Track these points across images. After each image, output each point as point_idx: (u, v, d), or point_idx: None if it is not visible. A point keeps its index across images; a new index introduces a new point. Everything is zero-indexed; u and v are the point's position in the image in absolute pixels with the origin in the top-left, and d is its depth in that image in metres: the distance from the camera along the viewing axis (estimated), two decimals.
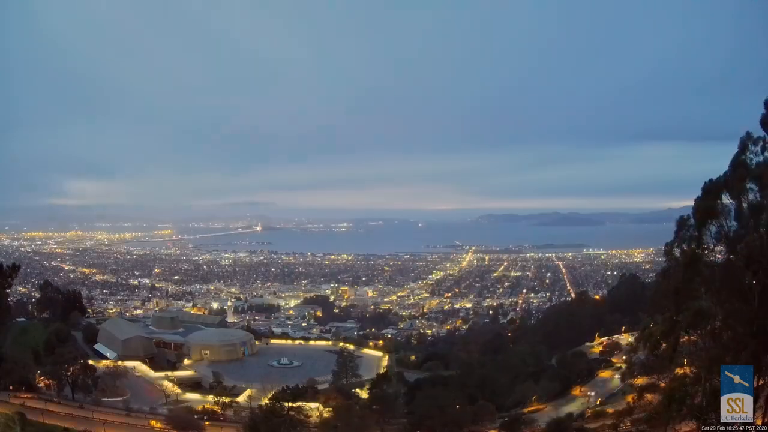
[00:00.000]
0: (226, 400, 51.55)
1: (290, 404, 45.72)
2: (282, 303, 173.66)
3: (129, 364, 61.89)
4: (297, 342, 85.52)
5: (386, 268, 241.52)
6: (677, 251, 29.00)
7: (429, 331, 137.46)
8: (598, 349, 70.52)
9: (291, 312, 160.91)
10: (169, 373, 60.82)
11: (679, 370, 29.10)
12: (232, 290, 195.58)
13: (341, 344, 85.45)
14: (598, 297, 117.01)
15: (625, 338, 69.51)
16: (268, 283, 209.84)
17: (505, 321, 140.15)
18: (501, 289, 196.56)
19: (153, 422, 42.85)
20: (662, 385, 29.70)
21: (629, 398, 38.58)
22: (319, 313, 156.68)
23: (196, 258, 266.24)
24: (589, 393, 52.89)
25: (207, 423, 44.52)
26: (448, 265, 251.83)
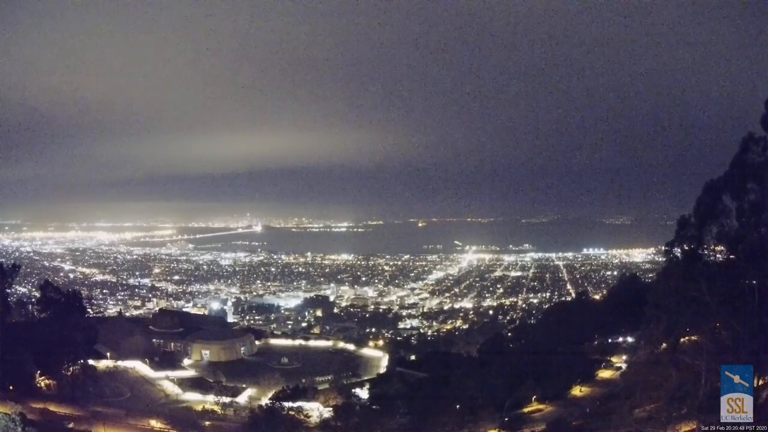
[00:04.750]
0: (226, 400, 51.60)
1: (290, 404, 45.85)
2: (282, 303, 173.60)
3: (129, 364, 61.95)
4: (297, 342, 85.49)
5: (386, 268, 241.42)
6: (677, 251, 29.03)
7: (429, 331, 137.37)
8: (598, 349, 70.46)
9: (291, 312, 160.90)
10: (169, 373, 60.82)
11: (679, 370, 29.09)
12: (232, 290, 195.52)
13: (341, 344, 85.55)
14: (598, 297, 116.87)
15: (626, 338, 69.46)
16: (268, 283, 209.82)
17: (505, 321, 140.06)
18: (501, 289, 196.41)
19: (153, 422, 42.88)
20: (662, 385, 29.69)
21: (629, 398, 38.57)
22: (319, 313, 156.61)
23: (196, 258, 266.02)
24: (589, 393, 52.86)
25: (207, 423, 44.52)
26: (448, 265, 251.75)
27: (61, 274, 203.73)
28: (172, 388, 55.96)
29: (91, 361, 54.19)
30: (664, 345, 30.76)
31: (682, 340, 30.97)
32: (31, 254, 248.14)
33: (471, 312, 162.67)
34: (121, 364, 61.87)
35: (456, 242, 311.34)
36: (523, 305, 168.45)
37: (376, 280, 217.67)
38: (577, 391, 54.10)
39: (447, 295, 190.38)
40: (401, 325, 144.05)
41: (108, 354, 65.20)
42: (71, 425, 38.66)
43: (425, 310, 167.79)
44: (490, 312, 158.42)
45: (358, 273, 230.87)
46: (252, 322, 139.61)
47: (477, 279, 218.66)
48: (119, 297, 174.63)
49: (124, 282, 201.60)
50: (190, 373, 64.06)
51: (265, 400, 49.45)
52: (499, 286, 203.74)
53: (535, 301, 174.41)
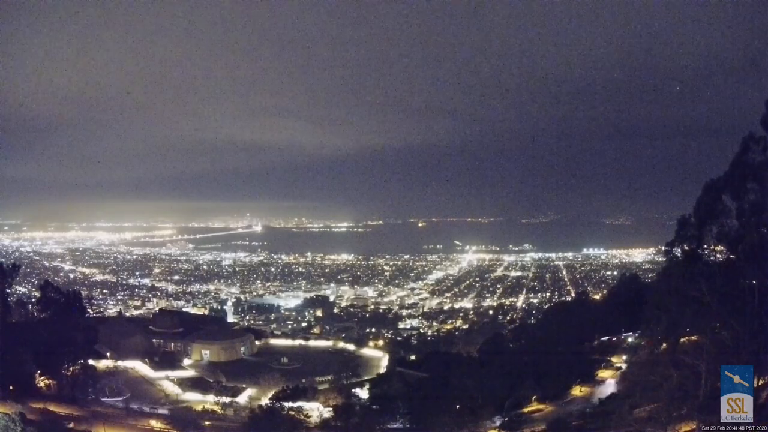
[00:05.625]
0: (226, 400, 51.61)
1: (290, 404, 45.88)
2: (282, 303, 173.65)
3: (129, 364, 61.97)
4: (297, 342, 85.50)
5: (386, 268, 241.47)
6: (678, 251, 29.03)
7: (429, 331, 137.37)
8: (598, 349, 70.49)
9: (291, 312, 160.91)
10: (169, 373, 60.82)
11: (679, 370, 29.09)
12: (232, 290, 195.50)
13: (341, 344, 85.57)
14: (598, 297, 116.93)
15: (626, 338, 69.50)
16: (268, 283, 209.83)
17: (505, 321, 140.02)
18: (501, 289, 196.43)
19: (153, 422, 42.89)
20: (662, 385, 29.70)
21: (629, 398, 38.58)
22: (319, 313, 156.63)
23: (196, 258, 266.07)
24: (589, 393, 52.90)
25: (207, 423, 44.53)
26: (448, 265, 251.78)
27: (61, 274, 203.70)
28: (172, 388, 55.97)
29: (91, 361, 54.26)
30: (664, 345, 30.77)
31: (682, 340, 30.98)
32: (31, 254, 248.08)
33: (471, 312, 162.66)
34: (121, 364, 61.88)
35: (456, 242, 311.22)
36: (523, 305, 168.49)
37: (376, 280, 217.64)
38: (577, 391, 54.12)
39: (447, 295, 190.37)
40: (401, 325, 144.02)
41: (108, 354, 65.21)
42: (71, 425, 38.69)
43: (425, 310, 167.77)
44: (490, 312, 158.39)
45: (358, 273, 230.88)
46: (252, 322, 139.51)
47: (477, 279, 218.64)
48: (119, 297, 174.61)
49: (124, 282, 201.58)
50: (190, 373, 64.04)
51: (265, 400, 49.48)
52: (499, 286, 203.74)
53: (535, 301, 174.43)
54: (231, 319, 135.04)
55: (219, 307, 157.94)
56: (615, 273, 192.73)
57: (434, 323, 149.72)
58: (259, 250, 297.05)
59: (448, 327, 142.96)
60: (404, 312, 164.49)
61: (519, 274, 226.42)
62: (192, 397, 53.77)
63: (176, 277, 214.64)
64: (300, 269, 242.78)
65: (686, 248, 28.42)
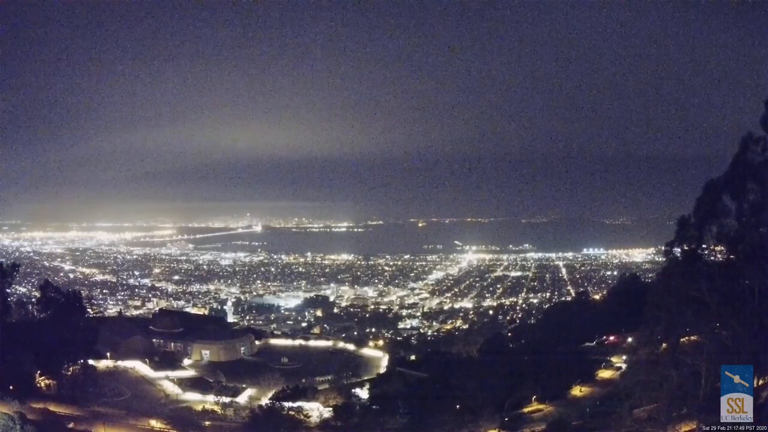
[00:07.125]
0: (226, 400, 51.64)
1: (290, 404, 45.93)
2: (282, 303, 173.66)
3: (129, 364, 61.99)
4: (297, 342, 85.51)
5: (386, 268, 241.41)
6: (678, 251, 29.05)
7: (429, 331, 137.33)
8: (598, 349, 70.45)
9: (291, 312, 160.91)
10: (169, 373, 60.84)
11: (678, 370, 29.09)
12: (232, 290, 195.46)
13: (341, 344, 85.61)
14: (598, 297, 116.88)
15: (626, 338, 69.43)
16: (268, 283, 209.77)
17: (505, 321, 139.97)
18: (501, 289, 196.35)
19: (153, 422, 42.90)
20: (662, 385, 29.70)
21: (629, 398, 38.58)
22: (319, 313, 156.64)
23: (196, 258, 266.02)
24: (589, 393, 52.87)
25: (207, 423, 44.55)
26: (448, 265, 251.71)
27: (61, 274, 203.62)
28: (172, 388, 55.99)
29: (91, 361, 54.30)
30: (664, 345, 30.77)
31: (682, 340, 30.99)
32: (31, 254, 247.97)
33: (471, 312, 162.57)
34: (121, 364, 61.92)
35: (456, 242, 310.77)
36: (523, 305, 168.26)
37: (376, 280, 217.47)
38: (577, 391, 54.10)
39: (447, 295, 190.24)
40: (401, 325, 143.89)
41: (108, 354, 65.20)
42: (71, 425, 38.70)
43: (425, 310, 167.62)
44: (490, 312, 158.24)
45: (358, 273, 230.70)
46: (252, 322, 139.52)
47: (477, 279, 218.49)
48: (119, 297, 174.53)
49: (124, 282, 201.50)
50: (190, 373, 64.07)
51: (265, 400, 49.53)
52: (499, 286, 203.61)
53: (535, 301, 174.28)
54: (231, 319, 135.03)
55: (219, 307, 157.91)
56: (615, 273, 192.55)
57: (434, 323, 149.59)
58: (259, 250, 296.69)
59: (448, 327, 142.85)
60: (404, 312, 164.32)
61: (519, 274, 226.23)
62: (192, 397, 53.77)
63: (176, 277, 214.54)
64: (300, 269, 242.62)
65: (686, 248, 28.46)
